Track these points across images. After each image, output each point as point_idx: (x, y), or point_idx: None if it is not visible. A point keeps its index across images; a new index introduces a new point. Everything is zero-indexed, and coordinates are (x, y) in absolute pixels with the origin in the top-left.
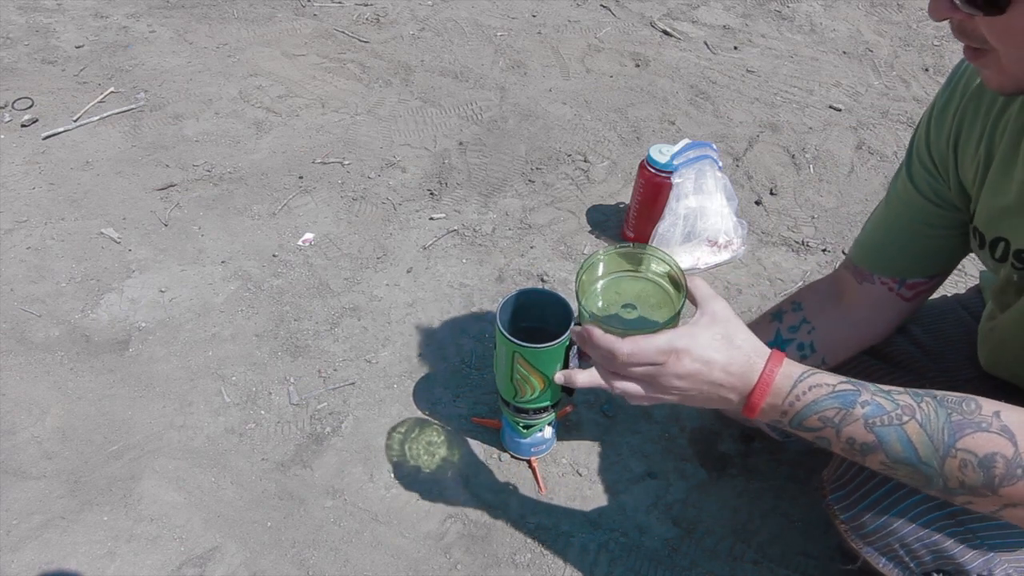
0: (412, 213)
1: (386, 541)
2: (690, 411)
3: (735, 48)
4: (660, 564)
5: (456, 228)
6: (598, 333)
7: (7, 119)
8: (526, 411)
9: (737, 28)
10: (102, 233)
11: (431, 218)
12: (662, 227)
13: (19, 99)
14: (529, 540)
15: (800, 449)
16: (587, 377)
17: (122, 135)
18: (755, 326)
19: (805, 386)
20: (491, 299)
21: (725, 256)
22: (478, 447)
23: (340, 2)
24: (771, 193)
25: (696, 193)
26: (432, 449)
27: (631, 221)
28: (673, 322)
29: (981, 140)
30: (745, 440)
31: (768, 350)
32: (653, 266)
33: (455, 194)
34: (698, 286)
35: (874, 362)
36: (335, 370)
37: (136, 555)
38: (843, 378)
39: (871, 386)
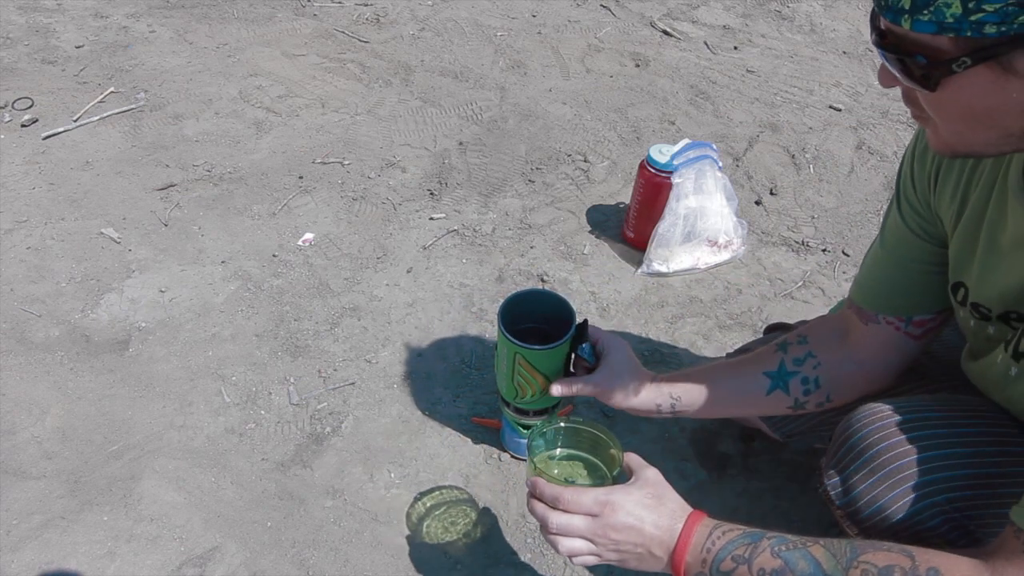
0: (412, 213)
1: (386, 541)
2: None
3: (735, 48)
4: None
5: (456, 228)
6: (543, 482)
7: (7, 119)
8: (527, 412)
9: (737, 28)
10: (102, 233)
11: (431, 218)
12: (662, 227)
13: (19, 99)
14: (529, 540)
15: (800, 449)
16: (587, 386)
17: (122, 135)
18: (760, 355)
19: (719, 532)
20: (491, 299)
21: (725, 256)
22: (478, 447)
23: (340, 2)
24: (771, 193)
25: (696, 193)
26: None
27: (631, 221)
28: (607, 485)
29: (958, 187)
30: (745, 440)
31: (690, 509)
32: (597, 443)
33: (455, 194)
34: (632, 457)
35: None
36: (335, 370)
37: (136, 555)
38: (753, 527)
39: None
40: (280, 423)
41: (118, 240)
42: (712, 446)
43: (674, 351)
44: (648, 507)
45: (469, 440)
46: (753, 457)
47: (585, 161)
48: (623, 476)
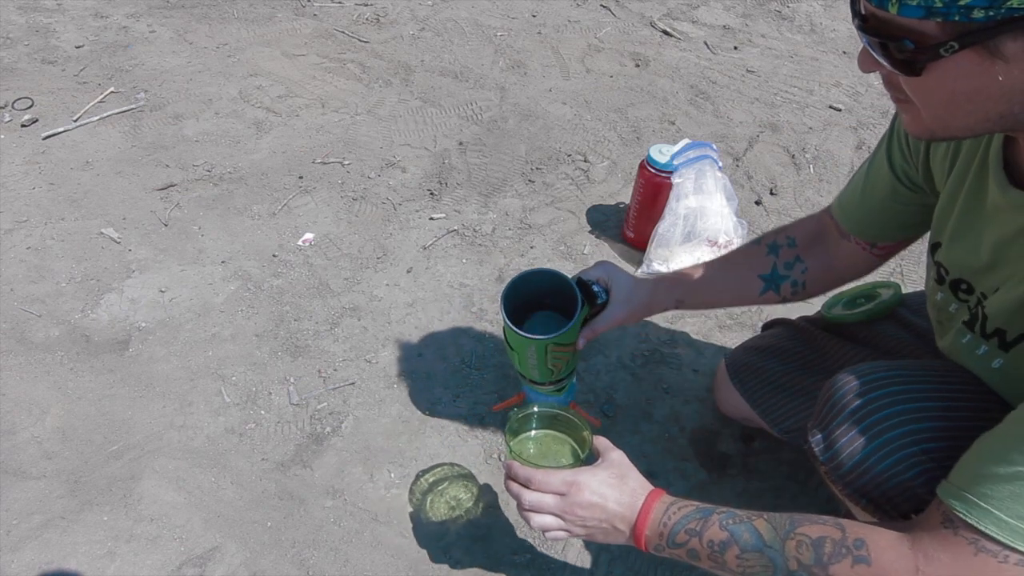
0: (412, 213)
1: (386, 541)
2: (690, 411)
3: (735, 48)
4: (660, 564)
5: (456, 228)
6: (518, 464)
7: (7, 119)
8: (562, 379)
9: (737, 28)
10: (102, 233)
11: (431, 218)
12: (662, 227)
13: (19, 99)
14: (529, 540)
15: (800, 448)
16: (605, 323)
17: (122, 135)
18: (752, 256)
19: (675, 508)
20: (491, 299)
21: None
22: (478, 447)
23: (340, 2)
24: (771, 193)
25: (696, 193)
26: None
27: (631, 221)
28: (576, 466)
29: (949, 146)
30: (745, 440)
31: (651, 487)
32: (570, 425)
33: (455, 194)
34: (600, 440)
35: (864, 350)
36: (335, 370)
37: (136, 555)
38: (706, 503)
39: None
40: (280, 423)
41: (118, 240)
42: (712, 446)
43: (674, 351)
44: (612, 486)
45: (469, 440)
46: (753, 457)
47: (585, 161)
48: (592, 457)
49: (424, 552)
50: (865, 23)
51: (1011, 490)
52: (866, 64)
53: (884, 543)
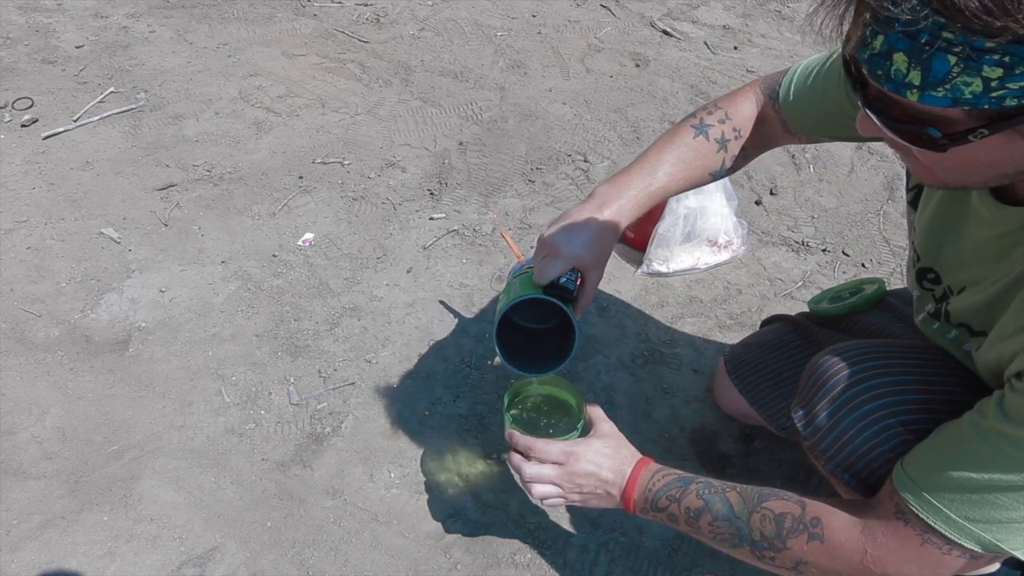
0: (412, 213)
1: (386, 541)
2: (690, 411)
3: (735, 48)
4: (660, 564)
5: (456, 228)
6: (519, 434)
7: (7, 119)
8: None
9: (737, 28)
10: (102, 233)
11: (431, 218)
12: (662, 227)
13: (19, 99)
14: (529, 540)
15: (800, 448)
16: (592, 292)
17: (122, 135)
18: (705, 155)
19: (660, 475)
20: (491, 299)
21: (725, 256)
22: (478, 447)
23: (340, 2)
24: (771, 193)
25: (696, 193)
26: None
27: None
28: (573, 437)
29: None
30: (745, 440)
31: (640, 456)
32: (566, 398)
33: (455, 194)
34: (594, 411)
35: (855, 339)
36: (335, 370)
37: (136, 555)
38: (688, 473)
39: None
40: (280, 423)
41: (118, 240)
42: (712, 446)
43: (674, 351)
44: (605, 455)
45: (469, 440)
46: (753, 457)
47: (585, 161)
48: (586, 427)
49: (424, 552)
50: (869, 98)
51: (961, 495)
52: (868, 131)
53: (838, 524)
